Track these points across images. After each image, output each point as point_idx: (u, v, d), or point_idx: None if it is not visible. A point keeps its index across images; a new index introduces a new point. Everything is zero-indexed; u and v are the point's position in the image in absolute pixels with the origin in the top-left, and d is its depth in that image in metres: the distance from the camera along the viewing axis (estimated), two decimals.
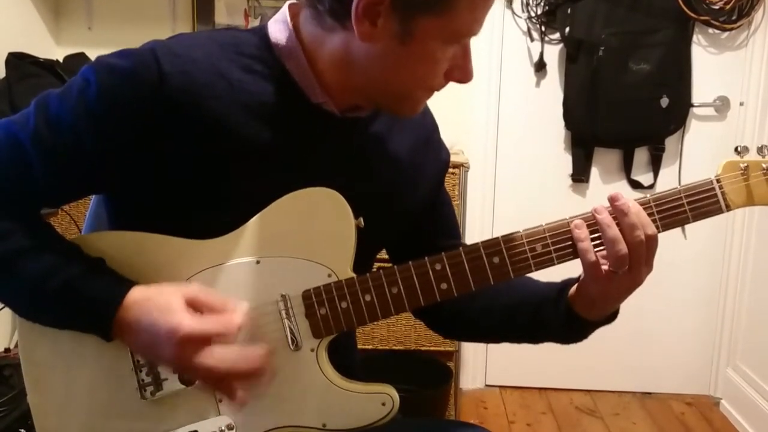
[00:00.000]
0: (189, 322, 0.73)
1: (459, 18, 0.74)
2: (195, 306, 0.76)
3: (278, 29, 0.81)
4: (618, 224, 0.79)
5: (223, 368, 0.74)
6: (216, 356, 0.74)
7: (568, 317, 0.86)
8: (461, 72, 0.80)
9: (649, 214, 0.80)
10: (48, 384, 0.82)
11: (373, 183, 0.88)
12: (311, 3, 0.77)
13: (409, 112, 0.84)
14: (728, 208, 0.83)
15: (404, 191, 0.92)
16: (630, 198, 0.80)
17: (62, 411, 0.82)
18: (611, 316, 0.87)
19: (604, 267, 0.80)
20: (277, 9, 0.84)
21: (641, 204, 0.80)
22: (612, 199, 0.80)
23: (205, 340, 0.74)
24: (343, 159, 0.86)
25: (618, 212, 0.79)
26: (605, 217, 0.79)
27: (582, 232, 0.80)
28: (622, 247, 0.78)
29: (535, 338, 0.94)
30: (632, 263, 0.79)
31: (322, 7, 0.76)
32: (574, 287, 0.86)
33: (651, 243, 0.79)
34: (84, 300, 0.77)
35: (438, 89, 0.82)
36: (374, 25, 0.74)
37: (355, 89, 0.81)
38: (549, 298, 0.89)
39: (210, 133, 0.77)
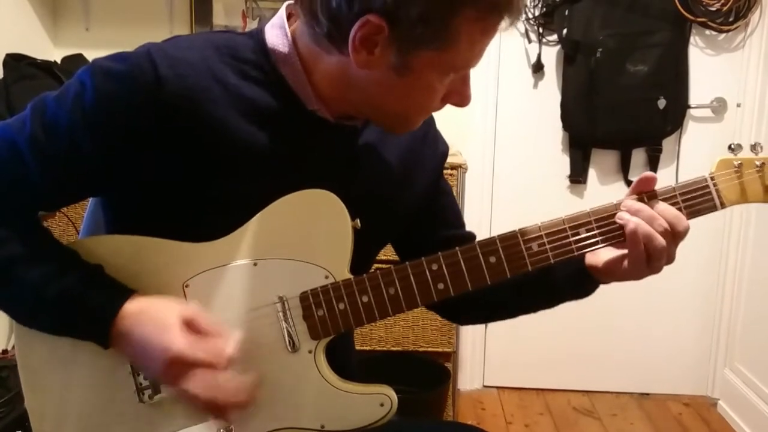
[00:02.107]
0: (181, 344, 0.74)
1: (458, 53, 0.74)
2: (191, 328, 0.76)
3: (275, 35, 0.81)
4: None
5: (205, 397, 0.75)
6: (200, 384, 0.74)
7: (578, 275, 0.88)
8: (459, 97, 0.81)
9: None
10: (45, 387, 0.82)
11: (370, 185, 0.88)
12: (309, 23, 0.76)
13: (404, 131, 0.85)
14: (722, 206, 0.83)
15: (402, 192, 0.92)
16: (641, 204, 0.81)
17: (59, 414, 0.82)
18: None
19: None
20: (274, 10, 0.84)
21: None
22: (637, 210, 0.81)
23: (193, 365, 0.74)
24: (339, 162, 0.86)
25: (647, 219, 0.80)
26: (648, 212, 0.80)
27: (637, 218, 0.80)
28: (660, 241, 0.79)
29: (546, 303, 0.95)
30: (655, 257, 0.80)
31: (320, 30, 0.75)
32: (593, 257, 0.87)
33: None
34: (82, 308, 0.77)
35: (435, 111, 0.83)
36: (371, 54, 0.73)
37: (349, 104, 0.82)
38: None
39: (205, 136, 0.77)
